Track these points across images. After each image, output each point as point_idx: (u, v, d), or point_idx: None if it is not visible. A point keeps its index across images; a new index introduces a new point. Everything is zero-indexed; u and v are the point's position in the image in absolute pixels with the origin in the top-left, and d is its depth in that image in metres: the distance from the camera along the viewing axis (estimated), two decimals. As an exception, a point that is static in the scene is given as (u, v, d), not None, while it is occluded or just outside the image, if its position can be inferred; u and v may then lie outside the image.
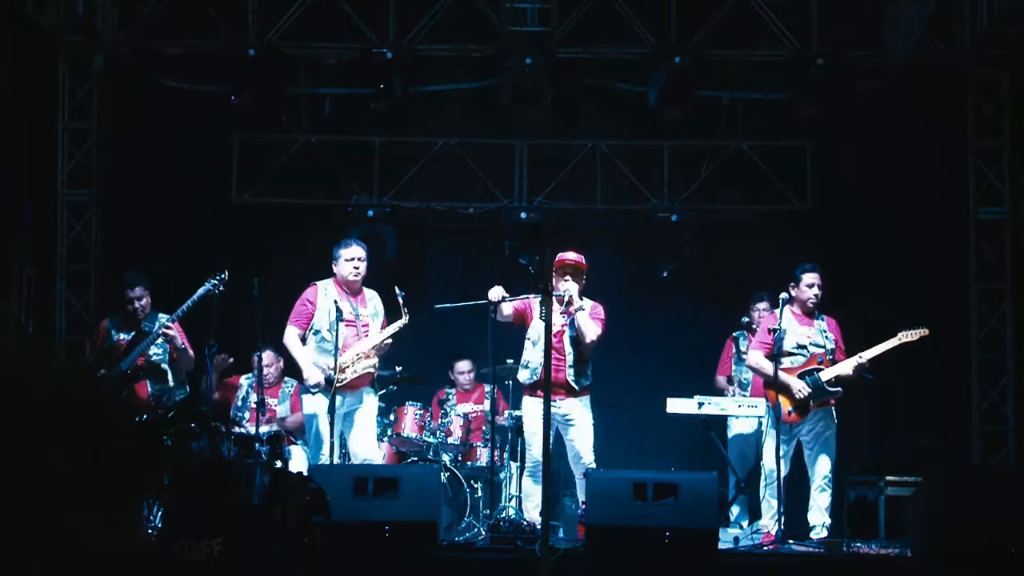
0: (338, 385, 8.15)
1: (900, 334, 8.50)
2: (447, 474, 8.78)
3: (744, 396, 9.41)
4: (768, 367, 8.59)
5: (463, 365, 9.82)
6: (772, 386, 8.56)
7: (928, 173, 10.37)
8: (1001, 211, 10.14)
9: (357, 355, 8.28)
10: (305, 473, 7.49)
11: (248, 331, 8.53)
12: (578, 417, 8.40)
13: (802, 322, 8.67)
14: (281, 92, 10.16)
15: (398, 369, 9.12)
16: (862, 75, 9.88)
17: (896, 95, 10.00)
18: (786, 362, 8.53)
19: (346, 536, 6.86)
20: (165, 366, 8.66)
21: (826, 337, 8.62)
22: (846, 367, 8.50)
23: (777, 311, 8.60)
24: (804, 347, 8.60)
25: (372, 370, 8.36)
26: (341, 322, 8.24)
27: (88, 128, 10.15)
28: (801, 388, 8.47)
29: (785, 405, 8.48)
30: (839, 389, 8.52)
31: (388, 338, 8.41)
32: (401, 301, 8.41)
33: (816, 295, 8.65)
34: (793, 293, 8.71)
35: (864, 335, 8.74)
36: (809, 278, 8.67)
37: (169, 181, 10.26)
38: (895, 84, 9.89)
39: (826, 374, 8.51)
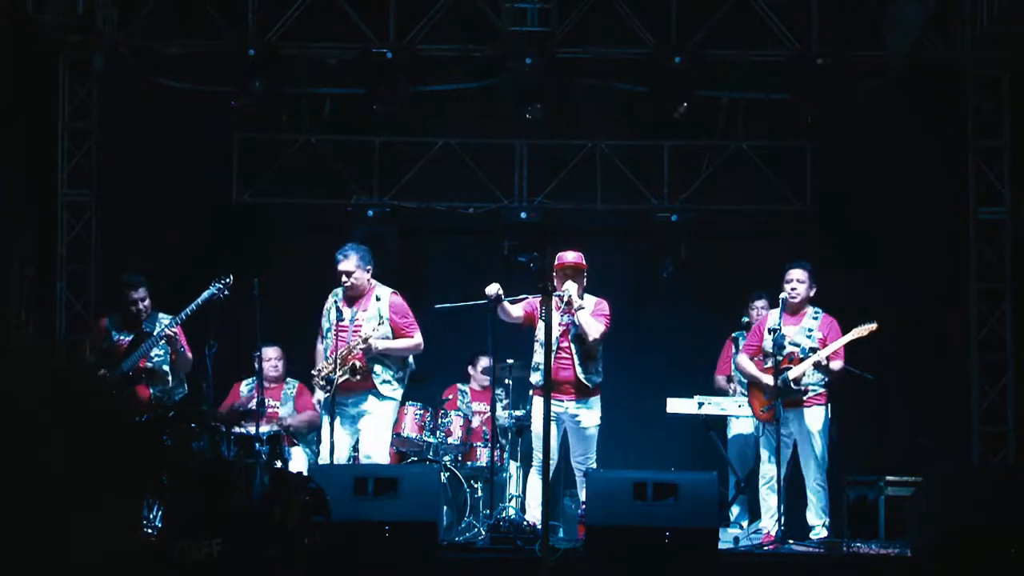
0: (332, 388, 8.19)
1: (854, 330, 8.48)
2: (447, 474, 8.78)
3: (743, 396, 9.41)
4: (750, 368, 8.61)
5: (488, 361, 9.62)
6: (755, 386, 8.58)
7: (928, 173, 10.36)
8: (1001, 211, 10.11)
9: (336, 359, 8.20)
10: (305, 473, 7.49)
11: (248, 331, 8.54)
12: (586, 418, 8.42)
13: (787, 321, 8.62)
14: (281, 92, 10.16)
15: (398, 369, 9.10)
16: (862, 75, 9.87)
17: (896, 95, 10.00)
18: (767, 363, 8.53)
19: (346, 536, 6.86)
20: (166, 367, 8.66)
21: (808, 336, 8.56)
22: (806, 366, 8.44)
23: (774, 311, 8.59)
24: (783, 347, 8.59)
25: (351, 375, 8.24)
26: (332, 329, 8.29)
27: (88, 128, 10.13)
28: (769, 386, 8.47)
29: (759, 404, 8.53)
30: (802, 387, 8.43)
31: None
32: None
33: (793, 291, 8.57)
34: (784, 293, 8.72)
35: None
36: (788, 275, 8.63)
37: (169, 181, 10.26)
38: (895, 84, 9.89)
39: (792, 372, 8.46)
